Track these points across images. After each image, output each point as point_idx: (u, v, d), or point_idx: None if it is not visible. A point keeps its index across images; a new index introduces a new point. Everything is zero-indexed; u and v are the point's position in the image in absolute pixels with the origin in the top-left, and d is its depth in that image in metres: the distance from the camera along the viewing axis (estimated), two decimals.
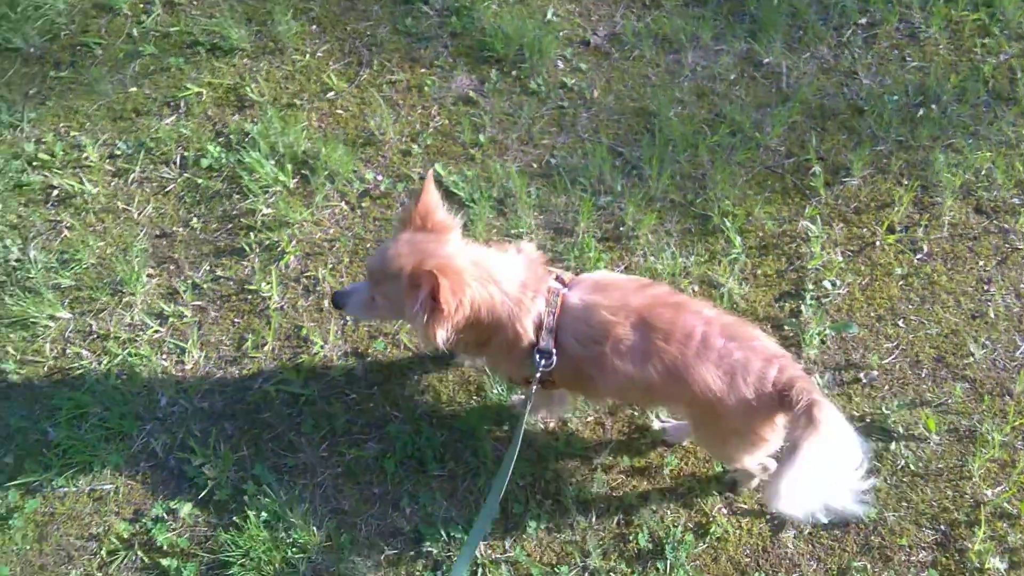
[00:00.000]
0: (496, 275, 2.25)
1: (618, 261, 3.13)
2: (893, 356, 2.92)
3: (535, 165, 3.32)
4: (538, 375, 2.29)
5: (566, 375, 2.35)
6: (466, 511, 2.60)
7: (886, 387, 2.86)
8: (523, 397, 2.74)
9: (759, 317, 3.04)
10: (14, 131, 3.22)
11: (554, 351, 2.27)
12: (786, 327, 3.01)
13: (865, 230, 3.19)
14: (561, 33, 3.64)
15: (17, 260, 2.97)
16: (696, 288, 3.09)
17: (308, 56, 3.50)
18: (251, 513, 2.54)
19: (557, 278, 2.35)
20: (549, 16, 3.67)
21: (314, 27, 3.58)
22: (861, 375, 2.89)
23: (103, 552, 2.53)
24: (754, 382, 2.18)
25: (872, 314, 3.02)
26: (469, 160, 3.30)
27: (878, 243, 3.15)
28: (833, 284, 3.09)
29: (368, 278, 2.31)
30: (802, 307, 3.03)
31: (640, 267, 3.12)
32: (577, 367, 2.30)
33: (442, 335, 2.17)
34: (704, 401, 2.20)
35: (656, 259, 3.12)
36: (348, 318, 2.92)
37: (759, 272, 3.12)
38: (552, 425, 2.78)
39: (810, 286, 3.08)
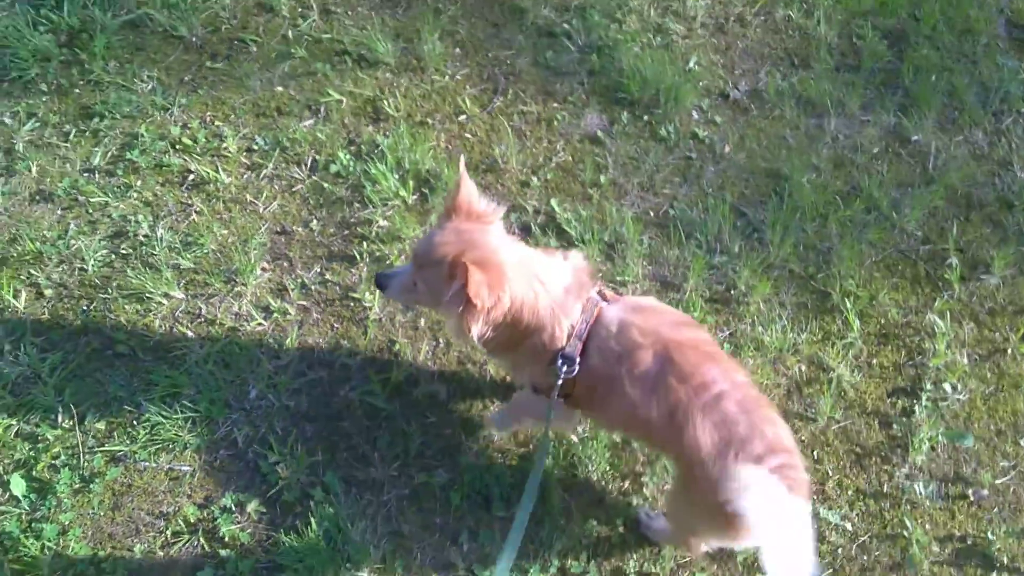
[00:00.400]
0: (542, 275, 2.22)
1: (723, 326, 3.01)
2: (1008, 477, 2.68)
3: (652, 213, 3.24)
4: (559, 382, 2.23)
5: (583, 390, 2.28)
6: (523, 560, 2.54)
7: (995, 509, 2.62)
8: (501, 414, 2.70)
9: (867, 410, 2.86)
10: (164, 113, 3.41)
11: (578, 359, 2.21)
12: (895, 425, 2.81)
13: (998, 335, 2.95)
14: (701, 83, 3.56)
15: (145, 236, 3.13)
16: (804, 368, 2.93)
17: (447, 78, 3.55)
18: (313, 520, 2.56)
19: (600, 291, 2.29)
20: (691, 64, 3.59)
21: (457, 50, 3.63)
22: (970, 492, 2.66)
23: (168, 532, 2.61)
24: (744, 462, 2.02)
25: (992, 427, 2.78)
26: (586, 199, 3.26)
27: (1010, 351, 2.91)
28: (954, 387, 2.87)
29: (412, 262, 2.31)
30: (916, 407, 2.83)
31: (747, 336, 2.99)
32: (594, 382, 2.23)
33: (476, 330, 2.15)
34: (688, 457, 2.07)
35: (765, 330, 2.99)
36: (444, 339, 2.93)
37: (875, 362, 2.93)
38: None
39: (928, 386, 2.86)
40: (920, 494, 2.68)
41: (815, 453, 2.80)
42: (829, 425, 2.85)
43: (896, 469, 2.76)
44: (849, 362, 2.92)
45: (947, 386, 2.87)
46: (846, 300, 3.03)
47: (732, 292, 3.07)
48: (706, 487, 2.03)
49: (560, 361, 2.23)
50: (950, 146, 3.41)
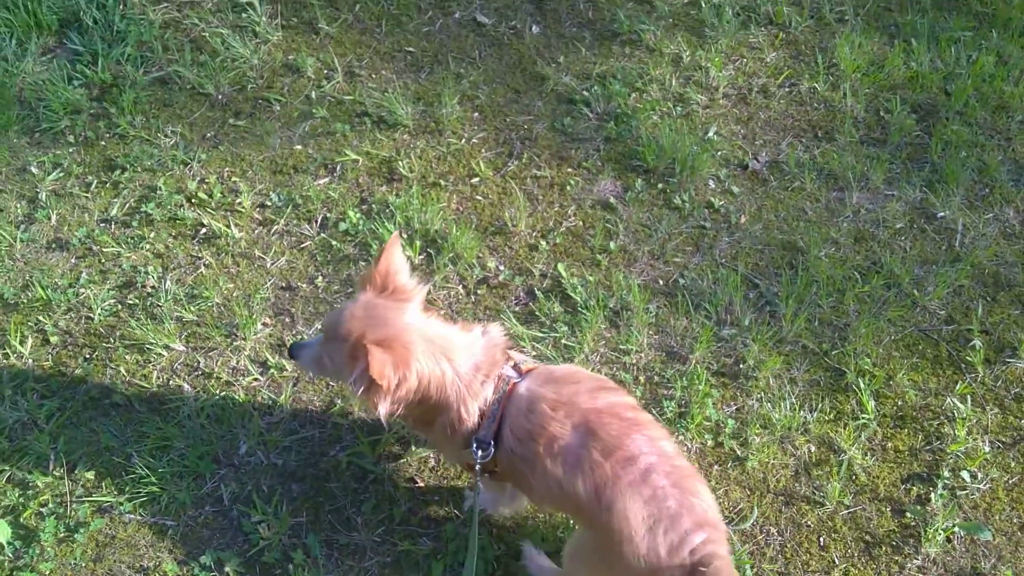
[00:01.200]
0: (450, 353, 2.16)
1: (730, 401, 2.89)
2: None
3: (661, 282, 3.16)
4: (477, 466, 2.17)
5: (506, 469, 2.20)
6: None
7: None
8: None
9: (878, 496, 2.69)
10: (184, 167, 3.47)
11: (491, 443, 2.15)
12: (908, 514, 2.64)
13: None
14: (719, 152, 3.51)
15: (152, 287, 3.15)
16: (813, 449, 2.79)
17: (463, 141, 3.56)
18: None
19: (515, 366, 2.21)
20: (711, 133, 3.55)
21: (476, 114, 3.65)
22: None
23: None
24: (673, 540, 1.94)
25: (1015, 520, 2.60)
26: (594, 265, 3.20)
27: None
28: (973, 476, 2.69)
29: (322, 334, 2.28)
30: (932, 495, 2.66)
31: (754, 412, 2.86)
32: (514, 463, 2.15)
33: (383, 408, 2.10)
34: (615, 534, 1.98)
35: (773, 407, 2.86)
36: None
37: (889, 445, 2.78)
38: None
39: (946, 473, 2.70)
40: None
41: (821, 539, 2.63)
42: (838, 510, 2.68)
43: (908, 560, 2.58)
44: (862, 444, 2.76)
45: (966, 474, 2.69)
46: (861, 379, 2.89)
47: (740, 366, 2.95)
48: (632, 565, 1.97)
49: (475, 445, 2.16)
50: (979, 224, 3.29)
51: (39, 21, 3.79)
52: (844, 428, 2.81)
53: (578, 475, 2.04)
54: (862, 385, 2.87)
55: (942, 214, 3.31)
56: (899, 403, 2.86)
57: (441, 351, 2.17)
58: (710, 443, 2.81)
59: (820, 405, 2.86)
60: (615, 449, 2.03)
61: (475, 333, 2.28)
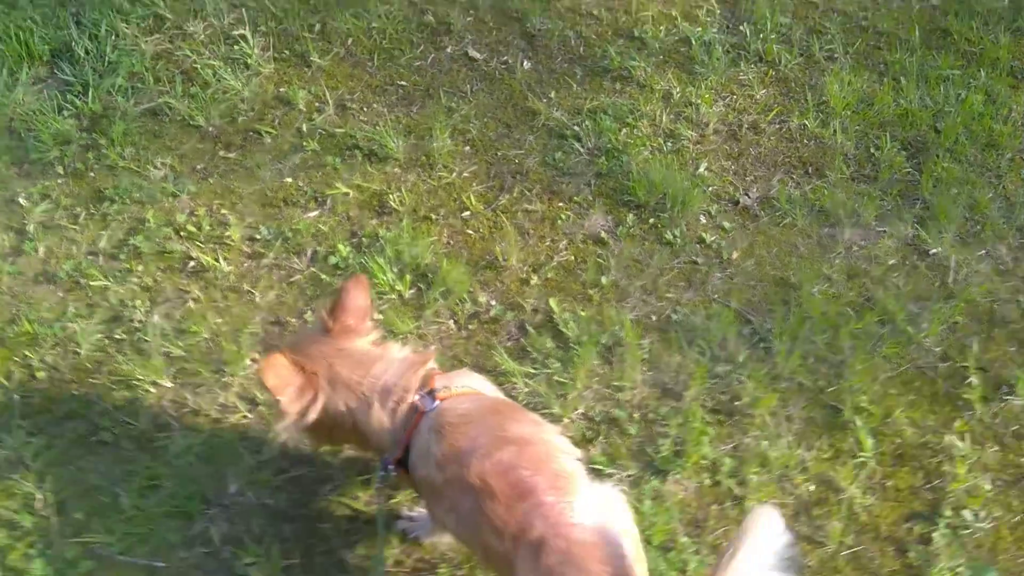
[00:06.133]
0: (360, 378, 2.21)
1: (726, 439, 2.86)
2: None
3: (654, 317, 3.15)
4: (375, 487, 2.26)
5: (426, 497, 2.24)
6: None
7: None
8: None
9: (881, 535, 2.67)
10: (173, 199, 3.44)
11: (391, 466, 2.20)
12: (911, 553, 2.62)
13: None
14: (710, 188, 3.51)
15: (140, 322, 3.10)
16: (812, 488, 2.76)
17: (455, 174, 3.55)
18: None
19: (430, 392, 2.20)
20: (701, 169, 3.56)
21: (467, 148, 3.65)
22: None
23: None
24: None
25: (1020, 560, 2.57)
26: (586, 300, 3.18)
27: None
28: (976, 515, 2.67)
29: None
30: (934, 534, 2.64)
31: (751, 450, 2.84)
32: (423, 492, 2.19)
33: (282, 428, 2.20)
34: None
35: (770, 445, 2.84)
36: None
37: (889, 484, 2.76)
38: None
39: (947, 512, 2.68)
40: None
41: None
42: (840, 550, 2.65)
43: None
44: (861, 483, 2.74)
45: (968, 513, 2.67)
46: (858, 416, 2.87)
47: (736, 403, 2.93)
48: None
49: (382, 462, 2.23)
50: (971, 260, 3.30)
51: (31, 51, 3.76)
52: (843, 466, 2.78)
53: (474, 539, 2.04)
54: (859, 422, 2.86)
55: (934, 250, 3.32)
56: (897, 440, 2.84)
57: (351, 378, 2.21)
58: (707, 482, 2.77)
59: (818, 443, 2.84)
60: (505, 525, 1.94)
61: (391, 354, 2.30)
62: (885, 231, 3.38)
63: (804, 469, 2.79)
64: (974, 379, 2.93)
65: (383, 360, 2.27)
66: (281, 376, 2.16)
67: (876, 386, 2.96)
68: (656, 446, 2.83)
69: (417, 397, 2.21)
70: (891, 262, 3.29)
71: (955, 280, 3.23)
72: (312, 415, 2.21)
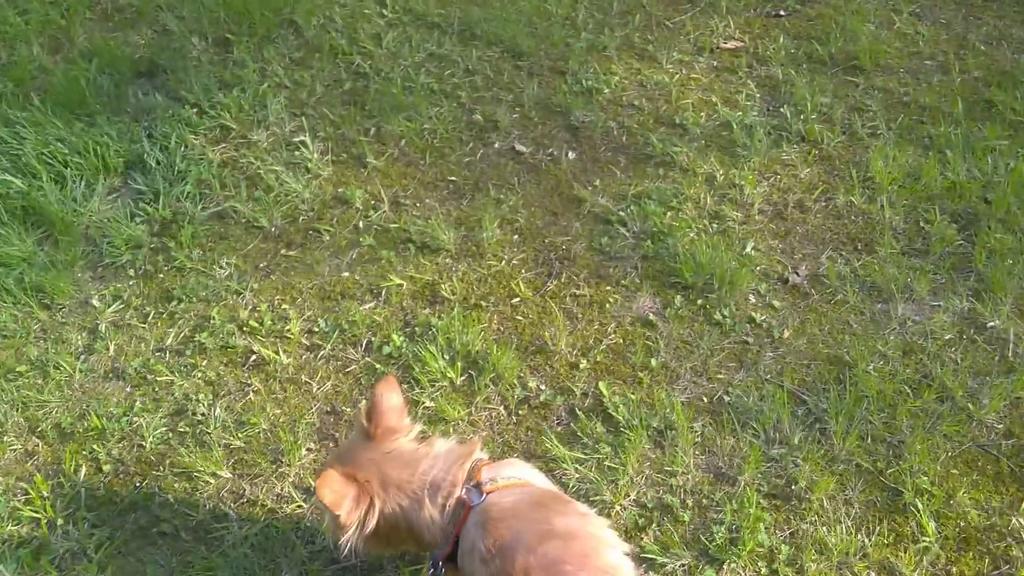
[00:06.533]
0: (410, 478, 2.23)
1: (783, 525, 2.79)
2: None
3: (705, 399, 3.13)
4: (431, 574, 2.21)
5: None
6: None
7: None
8: None
9: None
10: (237, 297, 3.60)
11: (441, 564, 2.19)
12: None
13: None
14: (758, 267, 3.52)
15: (203, 415, 3.22)
16: (873, 575, 2.66)
17: (503, 262, 3.65)
18: None
19: (477, 485, 2.21)
20: (748, 249, 3.58)
21: (515, 236, 3.75)
22: None
23: None
24: None
25: None
26: (636, 383, 3.18)
27: None
28: None
29: None
30: None
31: (809, 536, 2.75)
32: None
33: (345, 541, 2.20)
34: None
35: (829, 531, 2.75)
36: None
37: (954, 570, 2.64)
38: None
39: None
40: None
41: None
42: None
43: None
44: (925, 570, 2.63)
45: None
46: (919, 499, 2.77)
47: (792, 488, 2.87)
48: None
49: (430, 560, 2.22)
50: None
51: (106, 164, 4.06)
52: (904, 552, 2.68)
53: None
54: (920, 505, 2.76)
55: (992, 324, 3.24)
56: (961, 524, 2.73)
57: (401, 479, 2.24)
58: (764, 570, 2.70)
59: (878, 528, 2.75)
60: None
61: (437, 449, 2.32)
62: (940, 305, 3.32)
63: (864, 555, 2.69)
64: None
65: (429, 456, 2.30)
66: (336, 490, 2.17)
67: (937, 467, 2.86)
68: (710, 533, 2.78)
69: (463, 491, 2.23)
70: (947, 337, 3.22)
71: (1015, 353, 3.13)
72: (371, 522, 2.22)
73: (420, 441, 2.38)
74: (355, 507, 2.20)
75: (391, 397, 2.32)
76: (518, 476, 2.32)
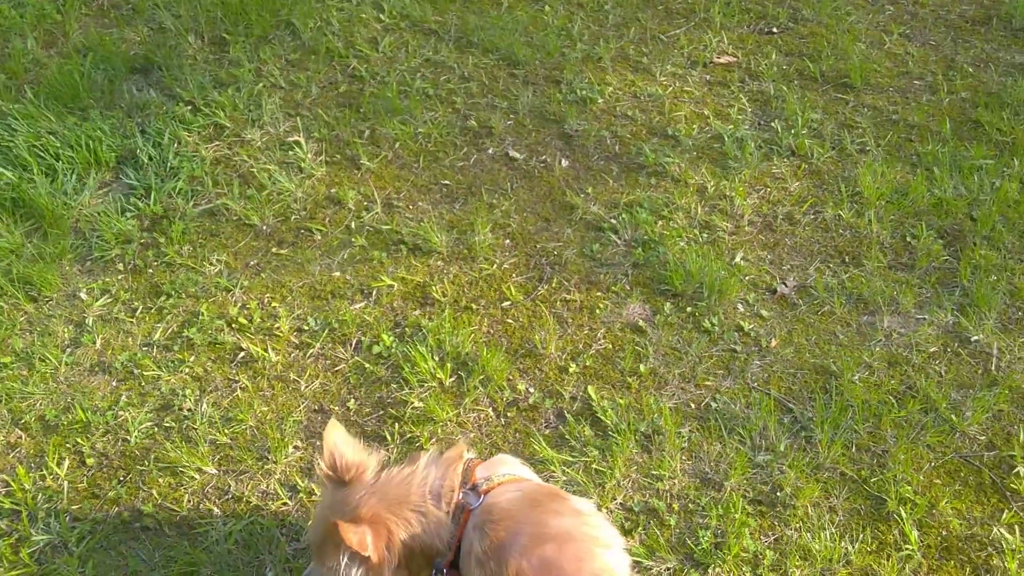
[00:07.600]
0: (411, 498, 2.21)
1: (768, 531, 2.81)
2: None
3: (692, 405, 3.14)
4: None
5: None
6: None
7: None
8: None
9: None
10: (226, 294, 3.59)
11: (444, 570, 2.19)
12: None
13: None
14: (747, 277, 3.55)
15: (189, 410, 3.21)
16: None
17: (495, 266, 3.66)
18: None
19: (473, 487, 2.22)
20: (737, 259, 3.61)
21: (507, 241, 3.77)
22: None
23: None
24: None
25: None
26: (624, 388, 3.20)
27: None
28: None
29: (313, 556, 2.32)
30: None
31: (793, 542, 2.77)
32: None
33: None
34: None
35: (813, 537, 2.77)
36: None
37: None
38: None
39: None
40: None
41: None
42: None
43: None
44: None
45: None
46: (903, 508, 2.80)
47: (777, 494, 2.89)
48: None
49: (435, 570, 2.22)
50: (1014, 347, 3.25)
51: (98, 158, 4.04)
52: (887, 560, 2.70)
53: None
54: (904, 514, 2.78)
55: (976, 338, 3.29)
56: (943, 533, 2.76)
57: (401, 497, 2.22)
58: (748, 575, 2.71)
59: (861, 535, 2.77)
60: None
61: (424, 461, 2.30)
62: (925, 319, 3.37)
63: (848, 562, 2.71)
64: (1021, 469, 2.85)
65: (419, 470, 2.28)
66: (356, 531, 2.11)
67: (920, 476, 2.89)
68: (696, 538, 2.79)
69: (461, 495, 2.23)
70: (932, 349, 3.26)
71: (998, 367, 3.18)
72: (396, 547, 2.19)
73: (401, 463, 2.35)
74: (377, 540, 2.15)
75: (339, 437, 2.29)
76: (512, 472, 2.33)
